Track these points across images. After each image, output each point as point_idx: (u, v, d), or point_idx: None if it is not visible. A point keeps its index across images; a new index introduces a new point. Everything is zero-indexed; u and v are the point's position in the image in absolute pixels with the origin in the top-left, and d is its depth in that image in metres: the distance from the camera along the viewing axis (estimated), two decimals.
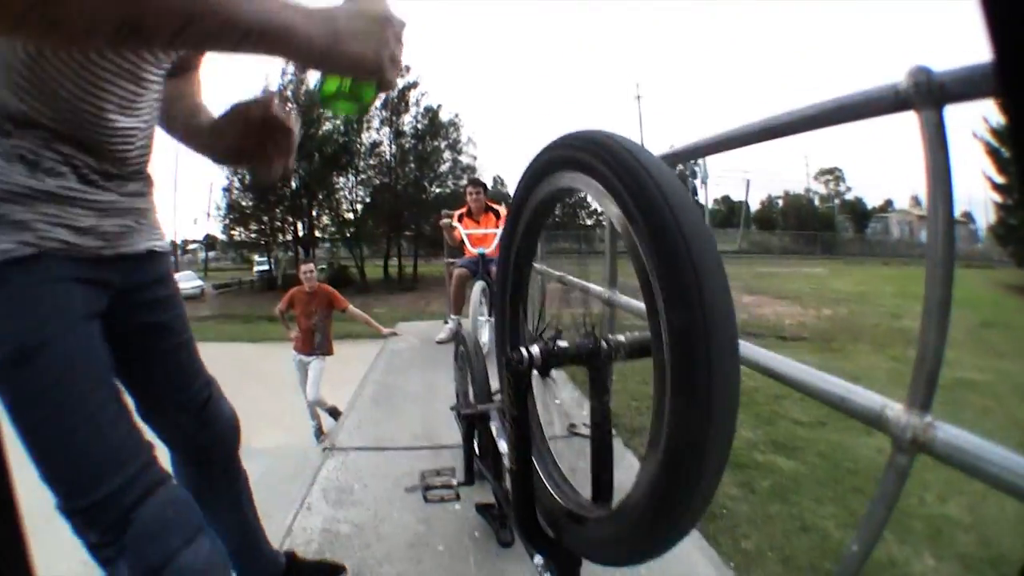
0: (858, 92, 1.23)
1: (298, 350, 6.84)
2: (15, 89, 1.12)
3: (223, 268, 49.14)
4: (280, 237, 36.85)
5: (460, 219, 6.92)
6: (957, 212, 1.11)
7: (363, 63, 0.84)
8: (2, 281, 1.12)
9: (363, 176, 36.15)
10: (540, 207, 1.42)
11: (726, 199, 54.61)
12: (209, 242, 49.03)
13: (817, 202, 52.11)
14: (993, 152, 30.22)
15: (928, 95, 1.05)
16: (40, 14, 0.65)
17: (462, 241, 6.62)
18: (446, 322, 7.20)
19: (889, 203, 51.27)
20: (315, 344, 6.70)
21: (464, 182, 38.58)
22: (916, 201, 49.31)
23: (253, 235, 36.05)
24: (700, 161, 47.27)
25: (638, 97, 47.92)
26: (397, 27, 0.87)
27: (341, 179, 36.06)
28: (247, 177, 33.32)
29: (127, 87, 1.24)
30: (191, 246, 58.01)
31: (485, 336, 5.87)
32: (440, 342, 6.80)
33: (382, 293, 29.32)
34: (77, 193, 1.21)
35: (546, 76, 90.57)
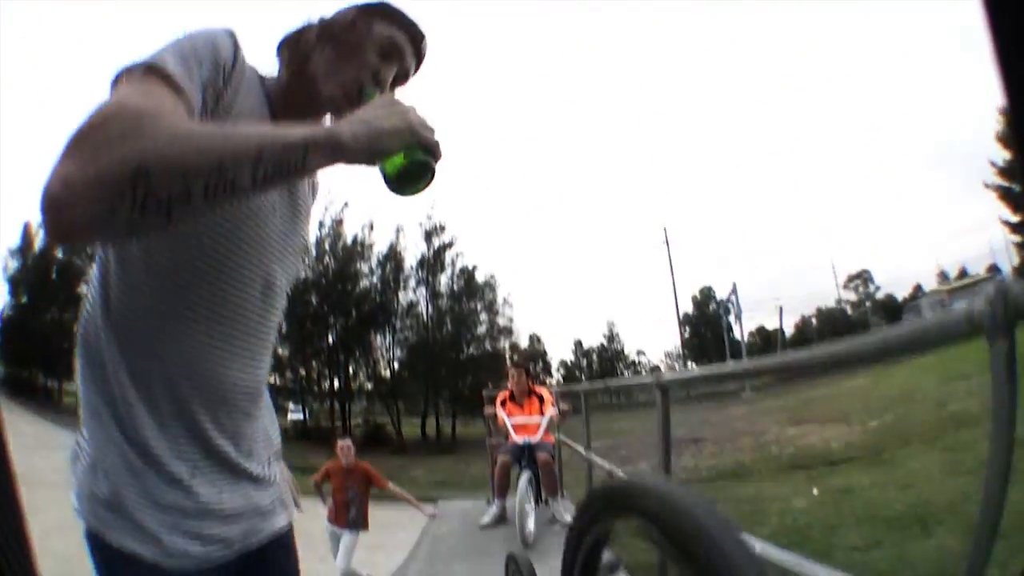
0: (931, 322, 1.35)
1: (332, 522, 6.53)
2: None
3: None
4: (316, 388, 36.77)
5: (503, 403, 6.96)
6: (982, 268, 1.35)
7: (401, 132, 0.99)
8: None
9: (400, 336, 36.51)
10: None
11: (760, 330, 53.60)
12: None
13: (850, 311, 50.78)
14: (1005, 193, 30.26)
15: (1004, 323, 1.07)
16: (134, 189, 0.76)
17: (506, 429, 6.65)
18: (489, 502, 7.16)
19: (919, 288, 50.09)
20: (349, 518, 6.43)
21: (501, 344, 38.88)
22: (943, 276, 48.91)
23: (289, 383, 35.81)
24: (733, 297, 47.12)
25: (666, 242, 47.86)
26: (409, 106, 1.05)
27: (378, 337, 36.35)
28: (283, 326, 33.36)
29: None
30: None
31: (531, 524, 5.96)
32: (484, 527, 6.62)
33: (420, 454, 28.63)
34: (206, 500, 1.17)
35: (573, 220, 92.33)
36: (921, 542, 5.56)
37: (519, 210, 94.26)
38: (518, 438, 6.47)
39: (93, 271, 1.15)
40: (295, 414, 37.89)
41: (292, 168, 0.90)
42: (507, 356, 42.09)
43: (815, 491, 8.82)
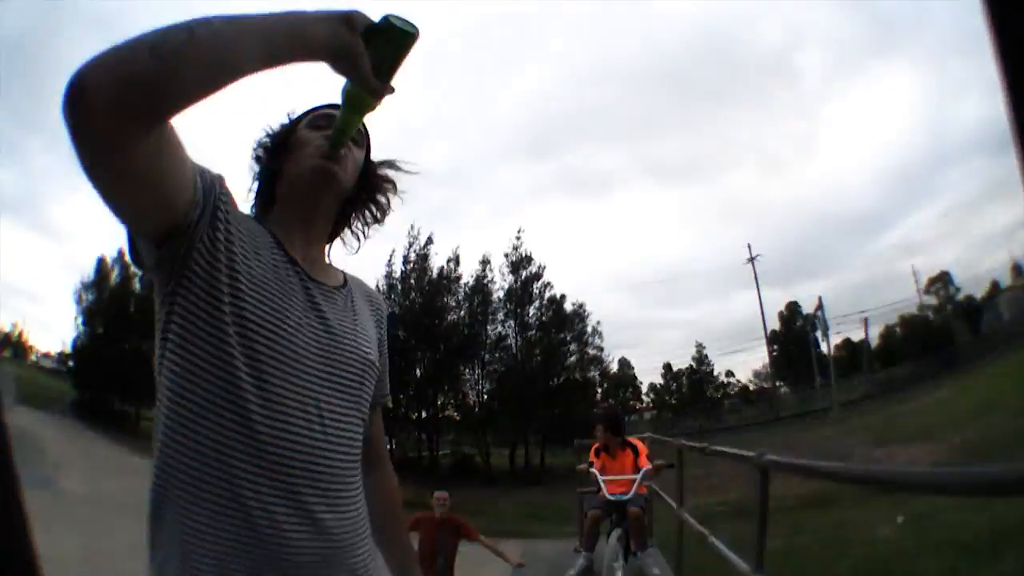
0: None
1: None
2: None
3: None
4: (403, 420, 36.59)
5: (597, 453, 6.89)
6: None
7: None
8: None
9: (489, 368, 36.31)
10: None
11: (847, 343, 51.85)
12: None
13: (931, 316, 48.54)
14: None
15: None
16: (152, 49, 0.90)
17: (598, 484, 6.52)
18: (577, 551, 6.99)
19: (996, 286, 47.27)
20: (436, 569, 6.38)
21: (591, 373, 38.61)
22: (1018, 269, 45.78)
23: None
24: (819, 313, 45.87)
25: (751, 259, 47.00)
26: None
27: (467, 370, 36.21)
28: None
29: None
30: None
31: (656, 569, 6.13)
32: None
33: (508, 486, 28.44)
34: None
35: (657, 240, 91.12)
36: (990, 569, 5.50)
37: (602, 233, 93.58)
38: (610, 495, 6.33)
39: (154, 433, 1.15)
40: None
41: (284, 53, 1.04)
42: (597, 384, 41.86)
43: (900, 519, 8.82)
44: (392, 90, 1.17)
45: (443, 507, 6.35)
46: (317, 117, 1.42)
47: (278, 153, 1.41)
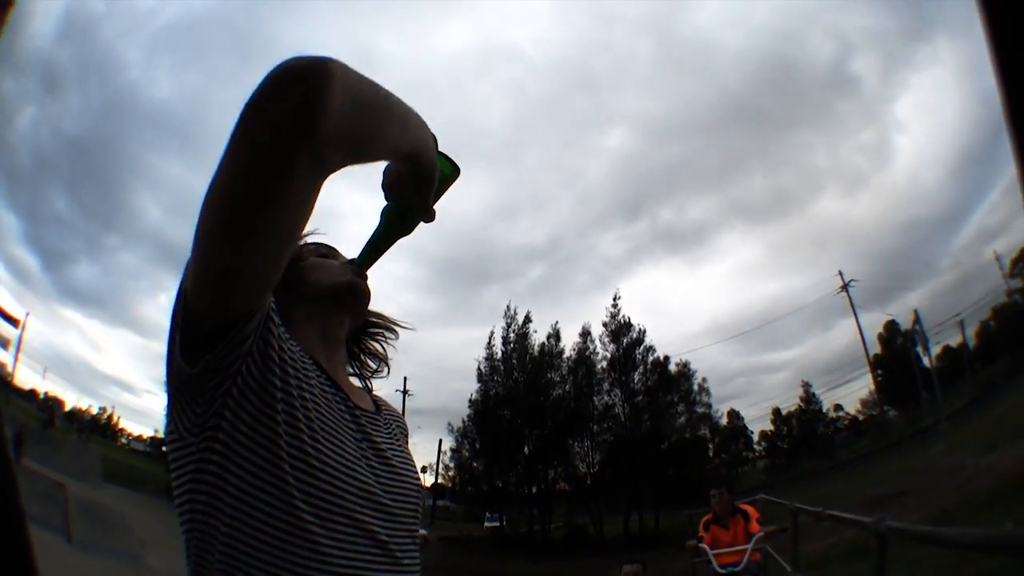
0: None
1: None
2: None
3: (450, 519, 49.16)
4: (514, 496, 37.31)
5: (707, 526, 6.69)
6: None
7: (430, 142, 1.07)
8: None
9: (599, 439, 36.58)
10: None
11: (946, 350, 49.28)
12: (438, 491, 49.56)
13: (1020, 299, 45.27)
14: None
15: None
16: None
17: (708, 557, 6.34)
18: None
19: None
20: None
21: (701, 431, 38.01)
22: None
23: (484, 494, 36.92)
24: (917, 327, 44.75)
25: (844, 286, 45.84)
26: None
27: (576, 443, 36.57)
28: (478, 442, 34.36)
29: None
30: None
31: None
32: None
33: (622, 551, 27.94)
34: None
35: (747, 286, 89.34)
36: None
37: (700, 286, 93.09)
38: (720, 567, 6.12)
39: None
40: (491, 522, 38.27)
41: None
42: (708, 439, 41.20)
43: (1008, 525, 8.76)
44: (433, 217, 1.15)
45: None
46: (318, 245, 1.38)
47: (287, 278, 1.17)
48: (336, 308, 1.29)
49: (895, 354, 51.97)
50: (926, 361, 44.99)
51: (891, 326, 54.36)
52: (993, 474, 13.72)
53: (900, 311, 55.93)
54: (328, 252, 1.38)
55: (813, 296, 65.87)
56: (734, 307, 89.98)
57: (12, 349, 35.99)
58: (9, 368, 35.88)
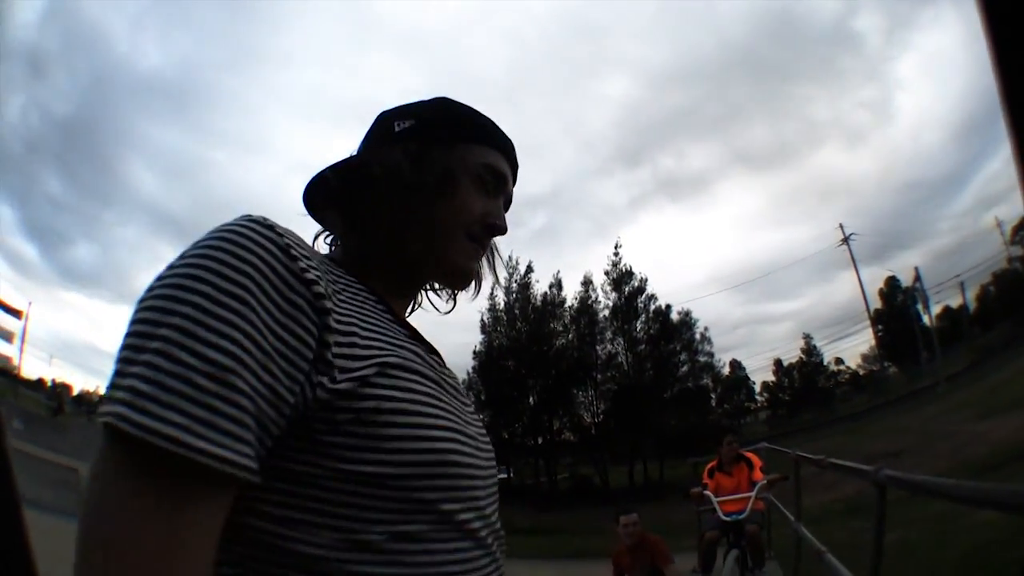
0: None
1: None
2: None
3: None
4: (520, 448, 37.42)
5: (711, 473, 6.92)
6: None
7: None
8: None
9: (603, 388, 36.71)
10: None
11: (946, 311, 49.66)
12: None
13: (1021, 267, 45.46)
14: None
15: None
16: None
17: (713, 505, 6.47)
18: (694, 571, 6.99)
19: None
20: None
21: (704, 381, 38.31)
22: None
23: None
24: (918, 284, 44.56)
25: (845, 239, 45.86)
26: None
27: (580, 393, 36.71)
28: (483, 394, 35.17)
29: None
30: None
31: None
32: None
33: (627, 502, 28.32)
34: None
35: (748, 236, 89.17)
36: None
37: (703, 234, 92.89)
38: (725, 515, 6.18)
39: None
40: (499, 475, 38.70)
41: None
42: (711, 390, 41.77)
43: None
44: None
45: (631, 533, 5.71)
46: (488, 170, 1.00)
47: (428, 185, 0.94)
48: (442, 279, 1.06)
49: (895, 310, 52.11)
50: (926, 320, 45.42)
51: (891, 282, 54.40)
52: (987, 442, 13.99)
53: (900, 268, 56.05)
54: (492, 184, 1.01)
55: (814, 248, 66.17)
56: (736, 257, 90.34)
57: (16, 342, 36.05)
58: (15, 361, 35.91)
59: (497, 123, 1.05)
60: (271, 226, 0.73)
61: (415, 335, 0.95)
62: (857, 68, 78.81)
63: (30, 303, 40.41)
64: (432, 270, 1.01)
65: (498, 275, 1.13)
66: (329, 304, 0.73)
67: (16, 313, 36.99)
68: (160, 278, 0.68)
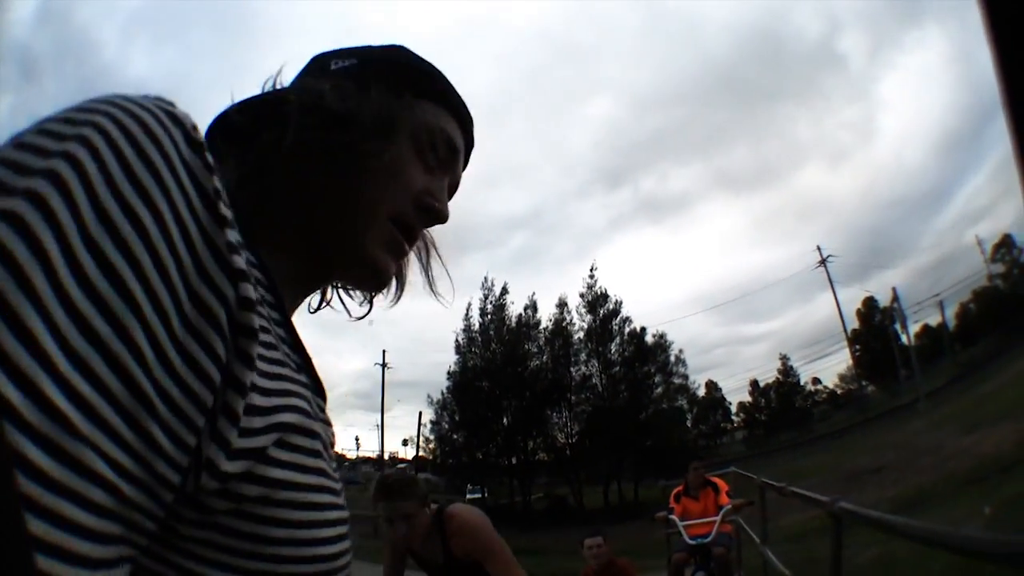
0: None
1: None
2: None
3: (432, 491, 49.72)
4: (494, 468, 37.45)
5: (678, 498, 6.98)
6: None
7: None
8: None
9: (577, 409, 36.72)
10: None
11: (926, 329, 50.07)
12: (419, 464, 49.73)
13: (1002, 285, 46.02)
14: None
15: None
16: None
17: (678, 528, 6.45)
18: None
19: None
20: None
21: (679, 402, 38.36)
22: None
23: (465, 466, 36.97)
24: (896, 304, 44.65)
25: (822, 261, 46.46)
26: None
27: (554, 414, 36.69)
28: (457, 414, 35.40)
29: None
30: (400, 465, 59.98)
31: None
32: None
33: (602, 523, 28.10)
34: None
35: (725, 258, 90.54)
36: None
37: (680, 256, 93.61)
38: (690, 539, 6.18)
39: None
40: (473, 494, 38.22)
41: None
42: (687, 411, 41.65)
43: (987, 510, 8.66)
44: None
45: (599, 555, 5.51)
46: (439, 136, 0.77)
47: (358, 124, 0.70)
48: (348, 280, 0.82)
49: (874, 330, 52.76)
50: (904, 339, 45.56)
51: (869, 302, 55.07)
52: (972, 455, 13.82)
53: (879, 288, 56.61)
54: (444, 154, 0.79)
55: (793, 269, 66.87)
56: (714, 277, 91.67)
57: None
58: None
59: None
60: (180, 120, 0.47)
61: (304, 357, 0.66)
62: (840, 88, 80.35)
63: None
64: (339, 258, 0.73)
65: (430, 279, 0.88)
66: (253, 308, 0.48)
67: None
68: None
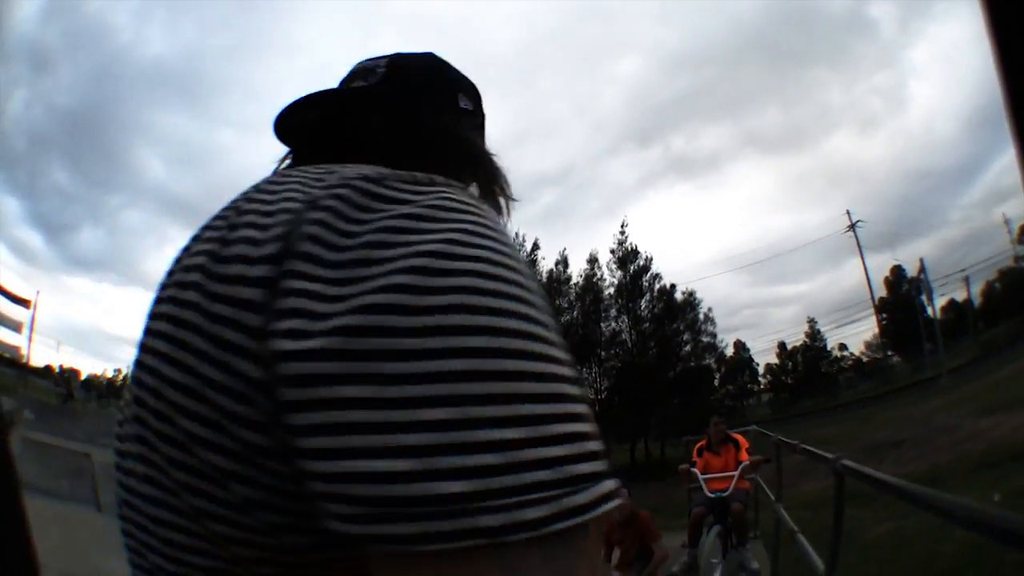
0: None
1: None
2: None
3: None
4: None
5: (700, 451, 7.20)
6: None
7: None
8: None
9: (607, 364, 36.85)
10: None
11: (952, 304, 49.62)
12: None
13: None
14: None
15: None
16: None
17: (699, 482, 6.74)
18: (683, 546, 7.01)
19: None
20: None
21: (707, 360, 38.52)
22: None
23: None
24: (922, 276, 44.10)
25: (851, 226, 45.97)
26: None
27: (584, 370, 36.58)
28: None
29: None
30: None
31: (755, 563, 6.42)
32: (671, 574, 6.61)
33: (629, 481, 28.51)
34: None
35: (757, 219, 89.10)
36: None
37: (712, 214, 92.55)
38: (710, 492, 6.49)
39: None
40: None
41: None
42: (714, 370, 42.22)
43: (996, 496, 8.79)
44: None
45: (620, 509, 5.28)
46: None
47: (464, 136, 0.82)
48: None
49: (900, 299, 51.90)
50: (930, 311, 45.15)
51: (897, 271, 54.13)
52: (988, 439, 13.75)
53: (907, 257, 55.67)
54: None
55: (822, 232, 66.17)
56: (744, 238, 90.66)
57: (25, 332, 36.34)
58: (23, 351, 36.23)
59: None
60: None
61: None
62: (871, 55, 78.46)
63: (38, 292, 40.69)
64: None
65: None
66: None
67: (24, 303, 37.49)
68: None
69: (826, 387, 51.47)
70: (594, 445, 0.42)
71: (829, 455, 3.42)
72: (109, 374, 64.75)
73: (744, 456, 6.77)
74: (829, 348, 56.08)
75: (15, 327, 34.26)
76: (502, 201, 0.82)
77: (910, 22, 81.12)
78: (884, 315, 51.92)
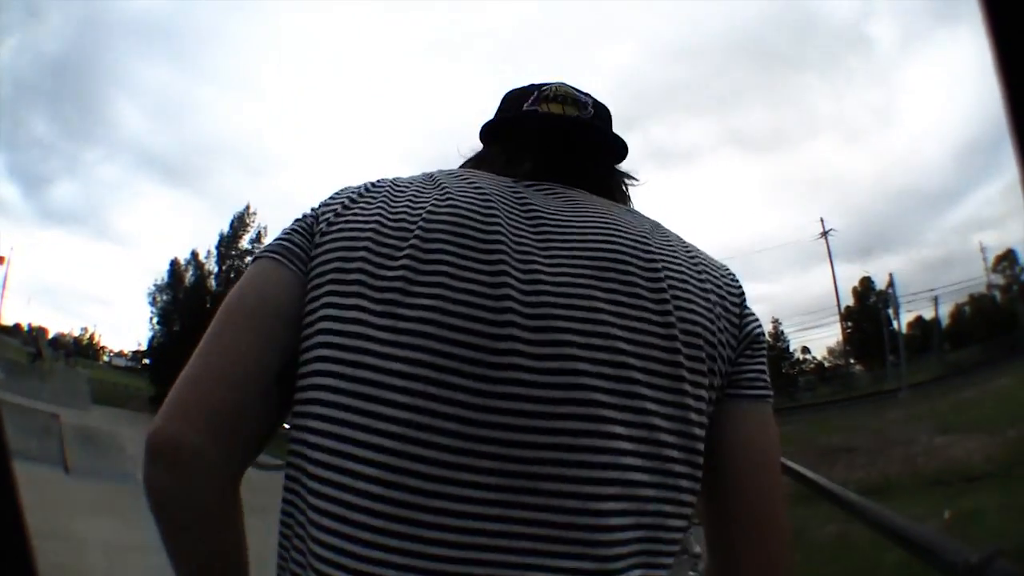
0: None
1: None
2: None
3: None
4: None
5: None
6: None
7: None
8: None
9: None
10: None
11: (919, 321, 50.30)
12: None
13: (999, 296, 46.12)
14: None
15: None
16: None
17: None
18: None
19: None
20: None
21: None
22: None
23: None
24: (890, 290, 44.50)
25: (824, 233, 46.20)
26: None
27: None
28: None
29: None
30: None
31: (697, 547, 6.01)
32: None
33: None
34: None
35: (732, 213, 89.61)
36: None
37: (687, 206, 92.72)
38: None
39: None
40: None
41: None
42: None
43: (947, 514, 8.83)
44: None
45: None
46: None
47: None
48: None
49: (867, 310, 52.50)
50: (896, 326, 45.61)
51: (866, 282, 54.61)
52: (942, 457, 13.76)
53: (878, 270, 56.16)
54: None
55: (795, 236, 66.91)
56: (715, 232, 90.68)
57: None
58: None
59: None
60: None
61: None
62: (864, 70, 78.57)
63: (11, 249, 39.47)
64: None
65: None
66: None
67: None
68: None
69: (785, 388, 51.59)
70: None
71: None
72: (76, 332, 63.63)
73: None
74: (792, 350, 56.75)
75: None
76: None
77: (910, 43, 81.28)
78: (849, 324, 52.48)
